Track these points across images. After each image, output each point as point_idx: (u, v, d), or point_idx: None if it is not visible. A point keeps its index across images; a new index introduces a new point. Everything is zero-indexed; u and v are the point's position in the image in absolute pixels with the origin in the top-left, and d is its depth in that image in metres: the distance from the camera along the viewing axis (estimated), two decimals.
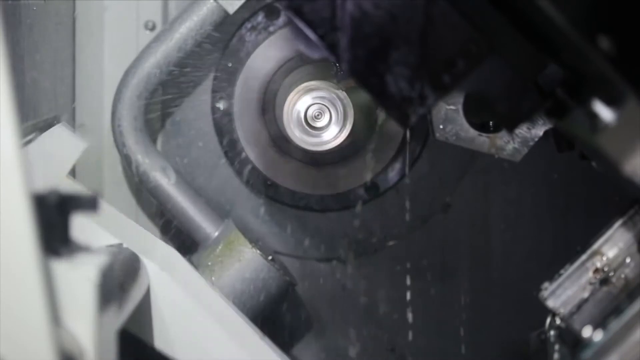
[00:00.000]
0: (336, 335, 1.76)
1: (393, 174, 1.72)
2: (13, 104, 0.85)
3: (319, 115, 1.57)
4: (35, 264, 0.86)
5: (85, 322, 0.88)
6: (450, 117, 1.38)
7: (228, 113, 1.70)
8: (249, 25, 1.68)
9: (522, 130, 1.37)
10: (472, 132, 1.39)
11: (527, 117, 1.01)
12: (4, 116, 0.85)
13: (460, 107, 1.38)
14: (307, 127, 1.57)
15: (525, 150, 1.39)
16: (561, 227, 1.71)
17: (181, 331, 1.30)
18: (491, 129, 1.38)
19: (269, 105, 1.68)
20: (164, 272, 1.29)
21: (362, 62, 0.96)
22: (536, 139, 1.38)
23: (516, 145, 1.39)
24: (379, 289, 1.74)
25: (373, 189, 1.72)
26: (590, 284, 1.20)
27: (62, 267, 0.88)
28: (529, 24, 0.93)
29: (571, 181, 1.70)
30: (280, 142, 1.68)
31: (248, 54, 1.68)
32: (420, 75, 0.96)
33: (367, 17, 0.95)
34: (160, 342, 1.28)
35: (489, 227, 1.74)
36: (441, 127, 1.38)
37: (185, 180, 1.66)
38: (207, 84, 1.71)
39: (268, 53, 1.69)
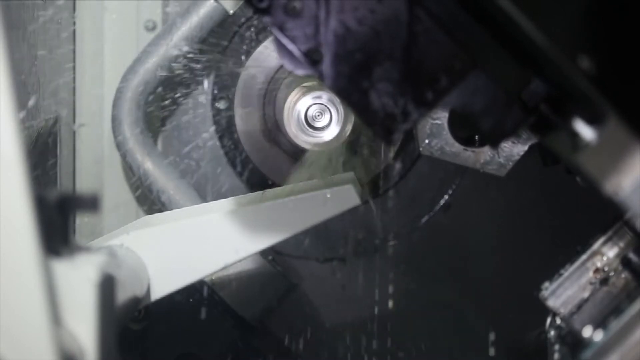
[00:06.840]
0: (336, 335, 1.76)
1: (393, 174, 1.72)
2: (13, 104, 0.85)
3: (319, 116, 1.57)
4: (35, 264, 0.86)
5: (85, 322, 0.88)
6: (435, 131, 1.38)
7: (228, 113, 1.70)
8: (249, 24, 1.68)
9: (507, 145, 1.38)
10: (457, 146, 1.39)
11: (511, 132, 1.00)
12: (4, 116, 0.85)
13: (445, 121, 1.38)
14: (307, 127, 1.57)
15: (510, 165, 1.39)
16: (561, 227, 1.70)
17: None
18: (477, 143, 1.38)
19: (269, 105, 1.68)
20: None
21: (345, 78, 0.95)
22: (521, 154, 1.38)
23: (501, 160, 1.39)
24: (379, 288, 1.74)
25: (373, 189, 1.72)
26: (591, 284, 1.20)
27: (62, 267, 0.88)
28: (513, 40, 0.93)
29: (571, 181, 1.69)
30: (280, 141, 1.68)
31: (248, 54, 1.68)
32: (403, 91, 0.95)
33: (351, 33, 0.94)
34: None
35: (489, 227, 1.74)
36: (427, 141, 1.39)
37: (186, 180, 1.66)
38: (208, 84, 1.70)
39: (268, 53, 1.69)
